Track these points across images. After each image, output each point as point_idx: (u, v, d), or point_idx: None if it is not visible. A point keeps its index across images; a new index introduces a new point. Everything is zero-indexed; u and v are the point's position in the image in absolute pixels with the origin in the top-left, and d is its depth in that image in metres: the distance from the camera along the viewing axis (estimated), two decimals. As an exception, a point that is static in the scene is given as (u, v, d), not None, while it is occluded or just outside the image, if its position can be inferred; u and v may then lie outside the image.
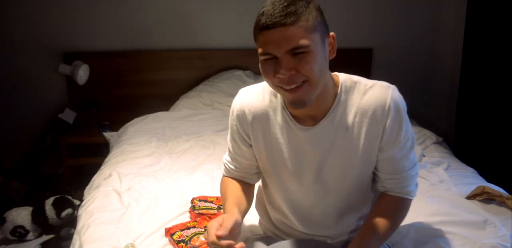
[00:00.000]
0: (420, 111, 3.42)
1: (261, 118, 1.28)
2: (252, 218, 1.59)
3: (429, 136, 2.76)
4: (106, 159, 2.53)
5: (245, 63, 3.39)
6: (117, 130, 2.97)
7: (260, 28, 1.06)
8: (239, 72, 3.31)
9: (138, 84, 3.32)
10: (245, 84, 3.18)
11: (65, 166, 3.11)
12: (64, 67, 3.08)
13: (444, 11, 3.51)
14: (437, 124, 3.53)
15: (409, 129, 1.26)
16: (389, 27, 3.49)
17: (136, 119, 3.00)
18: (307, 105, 1.13)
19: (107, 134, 2.97)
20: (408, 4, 3.47)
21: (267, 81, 1.15)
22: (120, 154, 2.51)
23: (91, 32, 3.23)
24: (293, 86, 1.10)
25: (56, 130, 3.17)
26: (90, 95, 3.24)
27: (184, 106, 3.14)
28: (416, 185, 1.33)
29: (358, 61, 3.43)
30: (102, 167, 2.41)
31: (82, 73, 3.07)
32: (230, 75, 3.30)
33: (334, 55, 1.16)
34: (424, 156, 2.51)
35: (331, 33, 1.14)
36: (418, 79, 3.59)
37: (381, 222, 1.27)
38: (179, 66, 3.34)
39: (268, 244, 1.41)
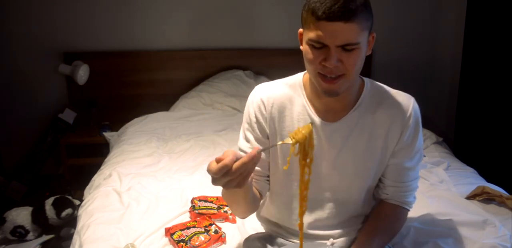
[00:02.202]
0: (420, 111, 3.42)
1: (278, 109, 1.30)
2: (254, 216, 1.59)
3: (429, 136, 2.76)
4: (106, 159, 2.53)
5: (245, 63, 3.39)
6: (117, 130, 2.97)
7: (318, 17, 1.08)
8: (239, 72, 3.31)
9: (138, 84, 3.32)
10: (245, 84, 3.19)
11: (65, 166, 3.11)
12: (64, 67, 3.08)
13: (444, 11, 3.51)
14: (437, 124, 3.53)
15: (421, 141, 1.33)
16: (389, 27, 3.49)
17: (136, 119, 3.00)
18: (339, 95, 1.19)
19: (107, 134, 2.97)
20: (408, 4, 3.47)
21: (308, 67, 1.18)
22: (120, 154, 2.51)
23: (91, 32, 3.23)
24: (333, 76, 1.14)
25: (56, 130, 3.17)
26: (90, 95, 3.24)
27: (184, 106, 3.14)
28: (415, 197, 1.38)
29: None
30: (102, 167, 2.41)
31: (82, 73, 3.07)
32: (230, 75, 3.29)
33: (369, 53, 1.20)
34: (424, 156, 2.51)
35: (373, 34, 1.18)
36: (418, 79, 3.59)
37: (380, 229, 1.31)
38: (179, 66, 3.34)
39: (270, 242, 1.42)
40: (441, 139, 2.81)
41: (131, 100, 3.32)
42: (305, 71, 1.33)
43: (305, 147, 1.08)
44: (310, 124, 1.10)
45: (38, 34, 3.16)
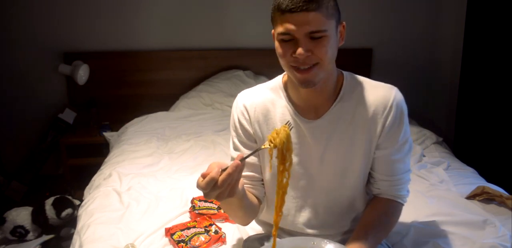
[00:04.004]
0: (420, 111, 3.42)
1: (262, 113, 1.32)
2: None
3: (429, 136, 2.76)
4: (106, 159, 2.53)
5: (245, 63, 3.39)
6: (117, 130, 2.97)
7: (283, 11, 1.12)
8: (239, 72, 3.31)
9: (138, 84, 3.32)
10: (245, 84, 3.18)
11: (65, 166, 3.11)
12: (64, 67, 3.09)
13: (444, 11, 3.50)
14: (437, 124, 3.53)
15: (408, 132, 1.30)
16: (389, 27, 3.49)
17: (136, 119, 3.00)
18: (315, 85, 1.20)
19: (107, 134, 2.97)
20: (408, 4, 3.47)
21: (282, 61, 1.21)
22: (120, 154, 2.51)
23: (91, 32, 3.23)
24: (306, 67, 1.16)
25: (56, 130, 3.17)
26: (90, 95, 3.24)
27: (184, 106, 3.14)
28: (408, 191, 1.37)
29: (358, 61, 3.43)
30: (102, 167, 2.41)
31: (82, 73, 3.07)
32: (230, 75, 3.29)
33: (342, 43, 1.22)
34: (424, 156, 2.51)
35: (343, 23, 1.21)
36: (418, 79, 3.59)
37: (375, 224, 1.30)
38: (178, 66, 3.34)
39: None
40: (441, 139, 2.81)
41: (131, 100, 3.32)
42: (284, 73, 1.34)
43: (283, 151, 1.09)
44: (286, 127, 1.10)
45: (38, 34, 3.16)
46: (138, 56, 3.30)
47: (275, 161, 1.12)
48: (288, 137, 1.08)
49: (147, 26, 3.28)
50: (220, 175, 1.02)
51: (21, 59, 3.19)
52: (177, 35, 3.34)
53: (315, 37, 1.13)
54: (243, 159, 1.05)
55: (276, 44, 1.19)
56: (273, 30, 1.22)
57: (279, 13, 1.14)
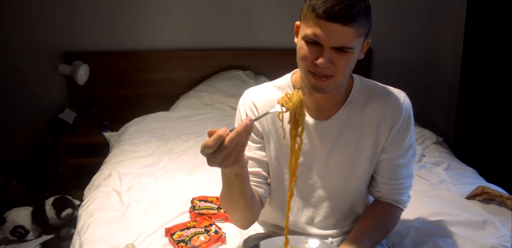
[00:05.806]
0: (420, 111, 3.41)
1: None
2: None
3: (429, 136, 2.76)
4: (106, 159, 2.53)
5: (245, 63, 3.39)
6: (117, 130, 2.97)
7: (317, 15, 1.08)
8: (239, 72, 3.31)
9: (138, 84, 3.32)
10: (245, 84, 3.19)
11: (65, 166, 3.11)
12: (64, 67, 3.09)
13: (444, 11, 3.51)
14: (437, 124, 3.53)
15: (413, 137, 1.31)
16: (389, 27, 3.49)
17: (136, 119, 3.00)
18: (325, 92, 1.20)
19: (107, 134, 2.97)
20: (408, 4, 3.47)
21: (300, 62, 1.18)
22: (120, 154, 2.51)
23: (91, 32, 3.23)
24: (321, 75, 1.15)
25: (56, 130, 3.17)
26: (90, 95, 3.24)
27: (184, 106, 3.14)
28: (409, 196, 1.37)
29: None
30: (102, 167, 2.41)
31: (82, 73, 3.07)
32: (230, 75, 3.30)
33: (362, 57, 1.20)
34: (424, 156, 2.51)
35: (368, 40, 1.19)
36: (418, 79, 3.59)
37: (372, 227, 1.30)
38: (179, 66, 3.34)
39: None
40: (441, 139, 2.81)
41: (131, 100, 3.32)
42: (292, 72, 1.34)
43: (295, 115, 1.08)
44: (300, 91, 1.09)
45: (38, 34, 3.16)
46: (138, 56, 3.30)
47: (283, 159, 1.10)
48: (301, 101, 1.07)
49: (147, 26, 3.28)
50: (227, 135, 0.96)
51: (21, 59, 3.19)
52: (177, 35, 3.34)
53: (340, 50, 1.11)
54: (252, 121, 1.00)
55: (301, 43, 1.15)
56: (298, 22, 1.18)
57: (313, 16, 1.09)
